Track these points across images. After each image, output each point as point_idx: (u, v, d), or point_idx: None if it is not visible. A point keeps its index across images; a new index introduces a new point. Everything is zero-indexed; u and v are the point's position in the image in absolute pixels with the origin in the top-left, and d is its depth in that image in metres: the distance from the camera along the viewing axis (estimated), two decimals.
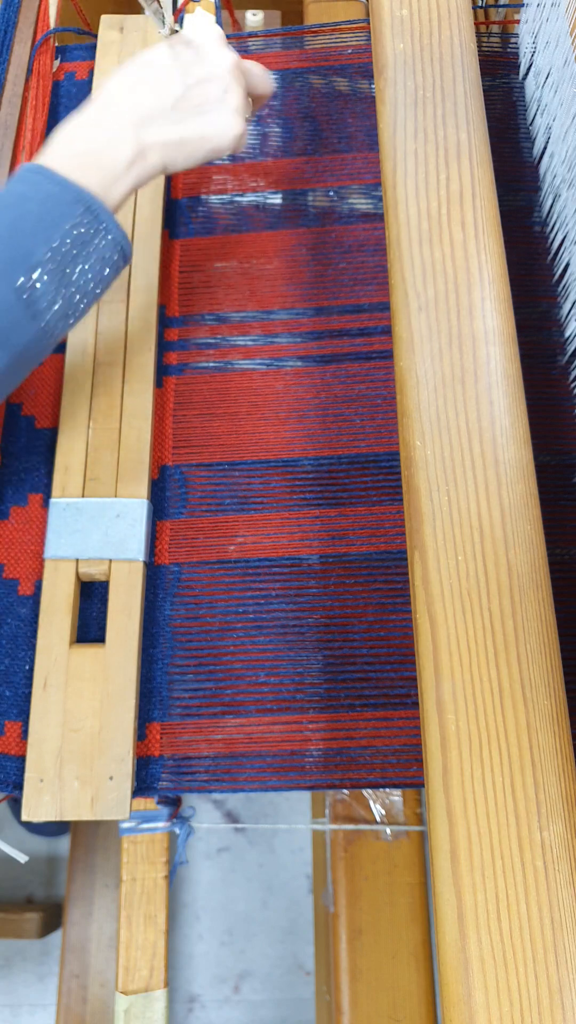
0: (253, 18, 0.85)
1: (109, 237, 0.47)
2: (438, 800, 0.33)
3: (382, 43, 0.55)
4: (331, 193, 0.73)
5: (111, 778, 0.53)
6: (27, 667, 0.58)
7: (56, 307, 0.46)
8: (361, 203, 0.73)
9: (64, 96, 0.78)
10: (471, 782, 0.33)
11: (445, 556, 0.37)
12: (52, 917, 1.44)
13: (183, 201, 0.74)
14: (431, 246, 0.45)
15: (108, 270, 0.49)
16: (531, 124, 0.74)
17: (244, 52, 0.77)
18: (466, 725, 0.34)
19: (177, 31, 0.59)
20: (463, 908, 0.31)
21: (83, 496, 0.60)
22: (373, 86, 0.77)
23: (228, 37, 0.69)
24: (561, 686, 0.35)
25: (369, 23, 0.96)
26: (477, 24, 0.86)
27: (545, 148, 0.70)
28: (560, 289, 0.68)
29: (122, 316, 0.65)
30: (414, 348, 0.42)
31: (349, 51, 0.78)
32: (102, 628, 0.58)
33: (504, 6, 0.83)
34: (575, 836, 0.32)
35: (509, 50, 0.78)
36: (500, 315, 0.43)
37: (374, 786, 0.58)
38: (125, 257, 0.50)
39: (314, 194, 0.73)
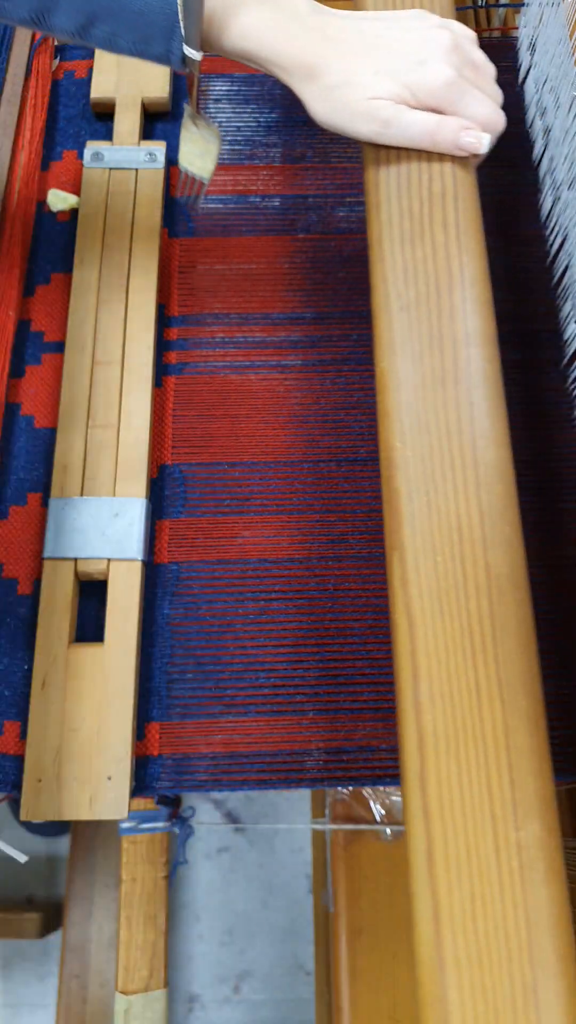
0: None
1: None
2: (415, 800, 0.33)
3: None
4: (331, 200, 0.73)
5: (109, 778, 0.53)
6: (26, 667, 0.58)
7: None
8: (361, 212, 0.73)
9: (63, 95, 0.78)
10: (448, 782, 0.33)
11: (424, 557, 0.37)
12: (52, 917, 1.45)
13: (183, 200, 0.74)
14: (413, 246, 0.45)
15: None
16: (530, 127, 0.75)
17: None
18: (443, 725, 0.34)
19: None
20: (439, 907, 0.31)
21: (82, 495, 0.60)
22: None
23: None
24: (538, 686, 0.35)
25: None
26: (477, 28, 0.86)
27: (544, 151, 0.71)
28: (560, 291, 0.68)
29: (121, 315, 0.66)
30: (395, 349, 0.42)
31: None
32: (101, 628, 0.58)
33: (504, 5, 0.83)
34: (551, 836, 0.32)
35: (508, 53, 0.78)
36: (481, 317, 0.43)
37: (373, 784, 0.58)
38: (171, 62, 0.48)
39: (315, 200, 0.73)
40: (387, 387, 0.41)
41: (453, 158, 0.47)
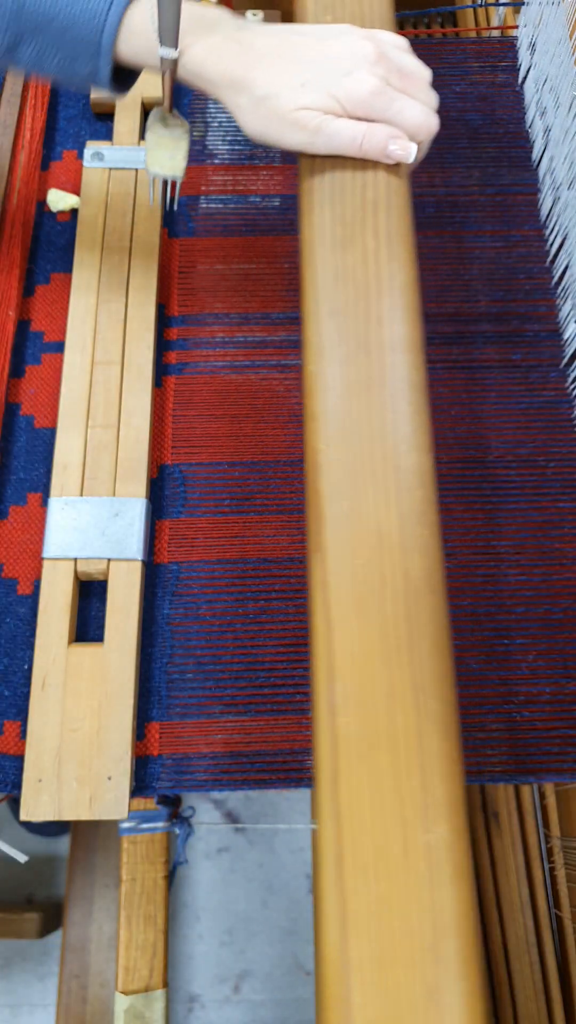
0: (253, 19, 0.85)
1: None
2: (326, 802, 0.33)
3: None
4: None
5: (109, 778, 0.53)
6: (26, 666, 0.58)
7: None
8: None
9: (63, 95, 0.78)
10: (359, 784, 0.33)
11: (344, 560, 0.37)
12: (52, 917, 1.44)
13: (183, 200, 0.74)
14: (343, 253, 0.45)
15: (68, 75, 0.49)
16: (530, 127, 0.75)
17: None
18: (357, 728, 0.34)
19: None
20: (345, 909, 0.31)
21: (82, 495, 0.60)
22: None
23: None
24: (452, 689, 0.35)
25: None
26: (477, 28, 0.86)
27: (544, 151, 0.71)
28: (559, 291, 0.68)
29: (121, 315, 0.66)
30: (322, 353, 0.42)
31: None
32: (101, 627, 0.58)
33: (504, 4, 0.83)
34: (459, 838, 0.32)
35: (508, 53, 0.78)
36: (407, 324, 0.43)
37: None
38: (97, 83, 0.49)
39: None
40: (314, 391, 0.41)
41: (387, 166, 0.47)
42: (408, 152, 0.46)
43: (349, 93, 0.45)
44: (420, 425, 0.40)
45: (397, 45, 0.48)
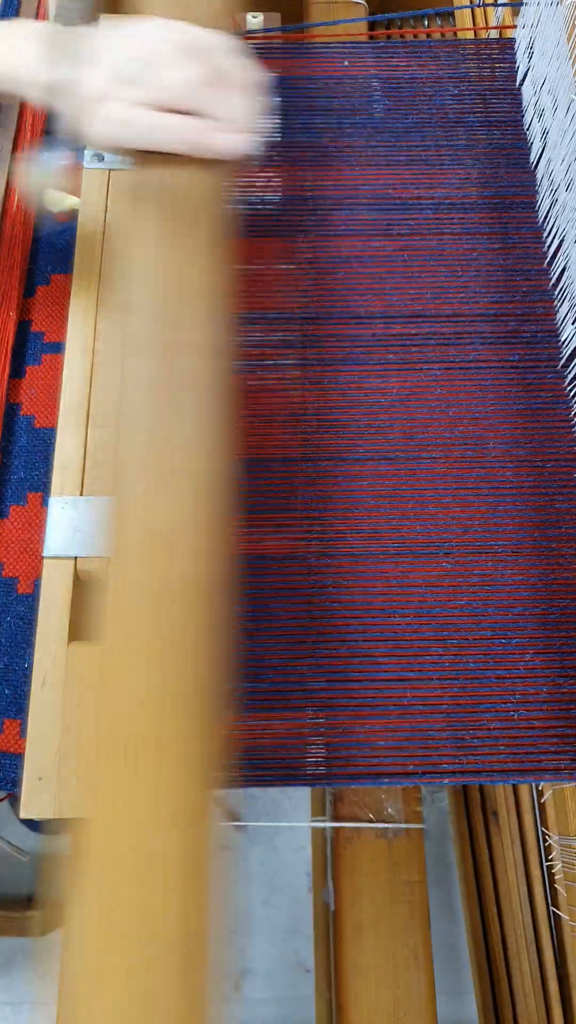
0: (253, 20, 0.85)
1: None
2: (87, 808, 0.33)
3: None
4: (329, 201, 0.74)
5: None
6: (26, 665, 0.58)
7: None
8: (360, 215, 0.73)
9: None
10: (114, 789, 0.33)
11: (128, 561, 0.38)
12: (53, 915, 1.45)
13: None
14: (162, 250, 0.45)
15: None
16: (528, 128, 0.75)
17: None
18: (112, 732, 0.34)
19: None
20: (85, 921, 0.30)
21: (82, 494, 0.60)
22: (371, 98, 0.77)
23: None
24: (209, 695, 0.35)
25: (367, 27, 0.96)
26: (475, 28, 0.86)
27: (542, 152, 0.71)
28: (557, 293, 0.69)
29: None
30: (133, 350, 0.43)
31: (346, 63, 0.78)
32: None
33: (503, 5, 0.83)
34: (194, 845, 0.32)
35: (506, 55, 0.78)
36: (213, 328, 0.44)
37: (373, 783, 0.58)
38: None
39: (314, 200, 0.74)
40: (124, 386, 0.42)
41: (206, 166, 0.47)
42: (232, 144, 0.46)
43: (169, 83, 0.45)
44: (212, 429, 0.41)
45: (218, 43, 0.47)
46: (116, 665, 0.35)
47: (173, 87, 0.45)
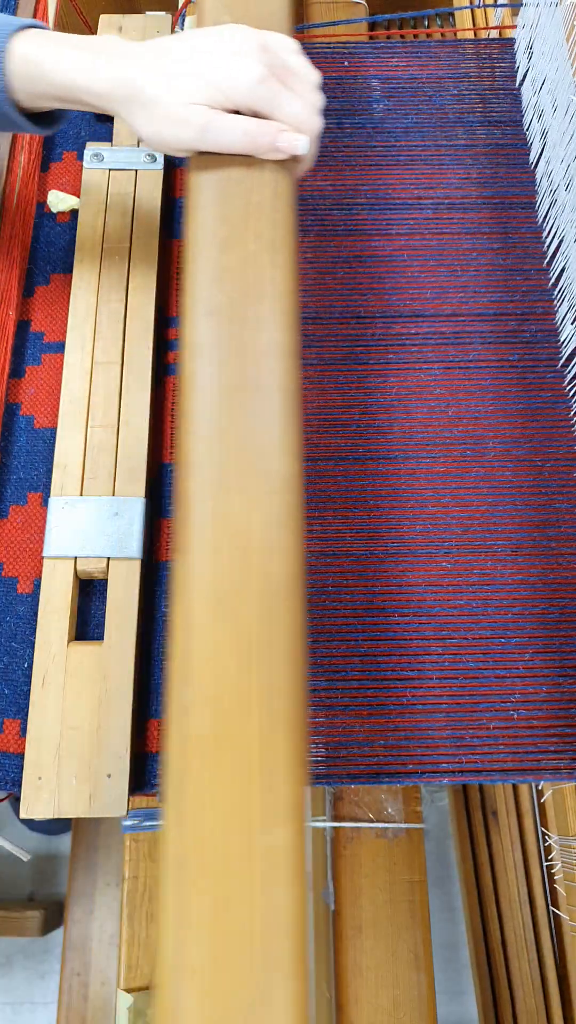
0: None
1: None
2: (173, 805, 0.32)
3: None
4: (329, 201, 0.74)
5: (109, 776, 0.54)
6: (26, 665, 0.59)
7: None
8: (359, 214, 0.73)
9: None
10: (207, 786, 0.33)
11: (206, 561, 0.37)
12: (53, 915, 1.45)
13: (182, 200, 0.74)
14: (225, 254, 0.44)
15: None
16: (527, 129, 0.75)
17: None
18: (206, 729, 0.34)
19: None
20: (185, 913, 0.30)
21: (82, 495, 0.60)
22: (371, 98, 0.77)
23: None
24: (302, 693, 0.35)
25: (367, 27, 0.96)
26: (475, 29, 0.86)
27: (542, 152, 0.71)
28: (556, 293, 0.69)
29: (121, 315, 0.66)
30: (198, 354, 0.42)
31: (346, 63, 0.78)
32: (101, 626, 0.59)
33: (503, 5, 0.83)
34: (297, 841, 0.32)
35: (506, 55, 0.78)
36: (283, 329, 0.43)
37: (374, 782, 0.58)
38: None
39: (313, 201, 0.74)
40: (188, 391, 0.41)
41: (274, 168, 0.46)
42: (297, 144, 0.46)
43: (233, 82, 0.45)
44: (289, 430, 0.40)
45: (286, 45, 0.48)
46: (204, 665, 0.35)
47: (247, 86, 0.45)
